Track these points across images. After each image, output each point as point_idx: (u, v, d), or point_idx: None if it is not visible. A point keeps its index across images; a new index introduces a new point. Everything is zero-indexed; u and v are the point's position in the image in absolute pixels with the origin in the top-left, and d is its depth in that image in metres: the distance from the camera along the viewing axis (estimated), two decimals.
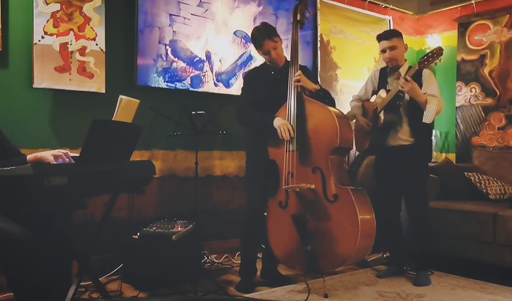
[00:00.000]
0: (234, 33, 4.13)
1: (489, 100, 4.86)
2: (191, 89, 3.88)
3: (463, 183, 4.16)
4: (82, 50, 3.32)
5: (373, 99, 3.48)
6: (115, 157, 2.23)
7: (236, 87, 4.06)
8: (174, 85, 3.79)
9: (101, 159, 2.09)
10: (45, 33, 3.18)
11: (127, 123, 2.39)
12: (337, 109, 3.08)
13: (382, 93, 3.36)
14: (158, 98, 3.69)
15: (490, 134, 4.85)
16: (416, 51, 5.47)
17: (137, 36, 3.58)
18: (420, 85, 3.20)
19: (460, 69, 5.07)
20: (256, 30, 3.13)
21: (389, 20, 5.31)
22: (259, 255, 3.41)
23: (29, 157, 2.04)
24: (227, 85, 4.09)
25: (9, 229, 1.90)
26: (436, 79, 3.30)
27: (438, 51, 3.05)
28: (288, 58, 3.17)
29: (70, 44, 3.28)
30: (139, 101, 2.51)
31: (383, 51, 3.36)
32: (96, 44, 3.38)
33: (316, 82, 3.26)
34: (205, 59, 3.96)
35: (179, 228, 3.14)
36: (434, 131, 4.98)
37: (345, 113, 3.19)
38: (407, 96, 3.23)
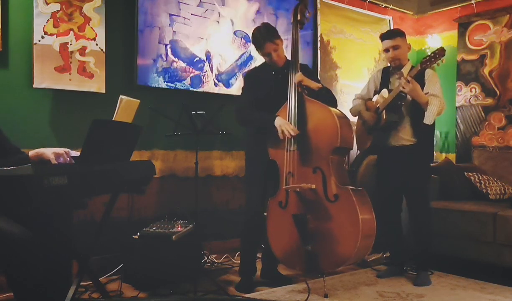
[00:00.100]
0: (234, 33, 4.13)
1: (489, 100, 4.86)
2: (191, 89, 3.88)
3: (463, 183, 4.16)
4: (82, 50, 3.32)
5: (375, 99, 3.47)
6: (115, 157, 2.23)
7: (236, 87, 4.06)
8: (174, 85, 3.79)
9: (101, 159, 2.08)
10: (45, 33, 3.18)
11: (127, 123, 2.39)
12: (337, 109, 3.08)
13: (384, 93, 3.35)
14: (158, 98, 3.69)
15: (490, 134, 4.85)
16: (416, 51, 5.47)
17: (137, 36, 3.58)
18: (423, 85, 3.20)
19: (460, 69, 5.07)
20: (257, 31, 3.12)
21: (389, 20, 5.31)
22: (259, 255, 3.41)
23: (30, 153, 2.05)
24: (227, 85, 4.09)
25: (9, 229, 1.90)
26: (438, 79, 3.29)
27: (441, 52, 3.04)
28: (289, 58, 3.17)
29: (70, 44, 3.28)
30: (139, 101, 2.50)
31: (386, 50, 3.35)
32: (96, 44, 3.38)
33: (318, 80, 3.26)
34: (205, 59, 3.96)
35: (179, 228, 3.14)
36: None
37: (345, 112, 3.19)
38: (409, 96, 3.22)
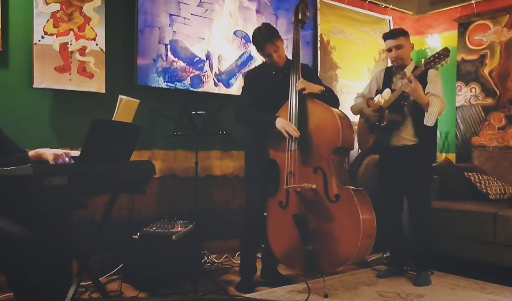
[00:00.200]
0: (234, 33, 4.13)
1: (489, 100, 4.86)
2: (191, 89, 3.88)
3: (463, 183, 4.16)
4: (82, 50, 3.32)
5: (377, 98, 3.46)
6: (115, 157, 2.23)
7: (236, 87, 4.06)
8: (174, 85, 3.79)
9: (101, 159, 2.08)
10: (45, 33, 3.18)
11: (127, 123, 2.39)
12: (339, 109, 3.08)
13: (387, 93, 3.35)
14: (158, 98, 3.69)
15: (490, 134, 4.85)
16: (416, 51, 5.46)
17: (137, 36, 3.58)
18: (425, 85, 3.19)
19: (460, 69, 5.07)
20: (257, 32, 3.11)
21: (389, 20, 5.31)
22: (259, 255, 3.41)
23: (30, 152, 2.05)
24: (227, 85, 4.09)
25: (9, 229, 1.90)
26: (441, 79, 3.27)
27: (445, 53, 3.03)
28: (289, 57, 3.17)
29: (70, 44, 3.28)
30: (139, 101, 2.50)
31: (389, 50, 3.35)
32: (96, 44, 3.38)
33: (319, 81, 3.26)
34: (205, 59, 3.96)
35: (179, 228, 3.14)
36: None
37: (345, 112, 3.18)
38: (411, 96, 3.22)
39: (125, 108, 2.38)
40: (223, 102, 3.34)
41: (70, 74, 3.28)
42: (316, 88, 3.03)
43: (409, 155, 3.29)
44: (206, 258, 3.76)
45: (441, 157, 4.99)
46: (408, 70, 3.27)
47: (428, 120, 3.12)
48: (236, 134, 3.67)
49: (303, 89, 2.98)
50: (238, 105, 3.17)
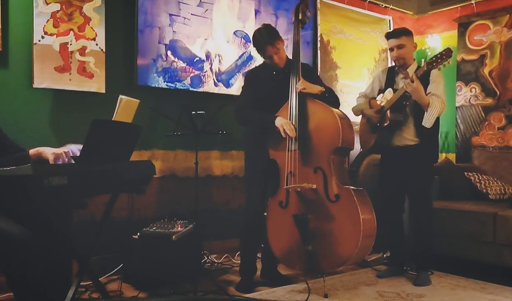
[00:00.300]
0: (234, 33, 4.13)
1: (489, 100, 4.86)
2: (191, 89, 3.88)
3: (463, 183, 4.16)
4: (82, 50, 3.32)
5: (379, 98, 3.46)
6: (115, 157, 2.23)
7: (236, 87, 4.06)
8: (174, 85, 3.79)
9: (101, 159, 2.08)
10: (45, 33, 3.18)
11: (127, 123, 2.39)
12: (339, 110, 3.08)
13: (389, 92, 3.35)
14: (158, 98, 3.69)
15: (490, 134, 4.85)
16: (416, 51, 5.46)
17: (137, 36, 3.58)
18: (428, 85, 3.19)
19: (460, 69, 5.06)
20: (257, 33, 3.10)
21: (389, 20, 5.31)
22: (259, 255, 3.41)
23: (31, 151, 2.05)
24: (227, 85, 4.09)
25: (9, 229, 1.90)
26: (443, 80, 3.27)
27: (447, 53, 3.02)
28: (290, 57, 3.16)
29: (70, 44, 3.28)
30: (139, 101, 2.50)
31: (391, 49, 3.34)
32: (96, 44, 3.38)
33: (320, 80, 3.26)
34: (205, 59, 3.96)
35: (179, 228, 3.14)
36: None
37: (345, 112, 3.18)
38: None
39: (125, 108, 2.38)
40: (223, 102, 3.34)
41: (70, 74, 3.28)
42: (316, 89, 3.03)
43: (410, 155, 3.28)
44: (206, 258, 3.76)
45: (441, 157, 4.99)
46: (411, 70, 3.26)
47: (427, 122, 3.12)
48: (236, 134, 3.67)
49: (303, 89, 2.98)
50: (238, 105, 3.17)
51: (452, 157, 4.99)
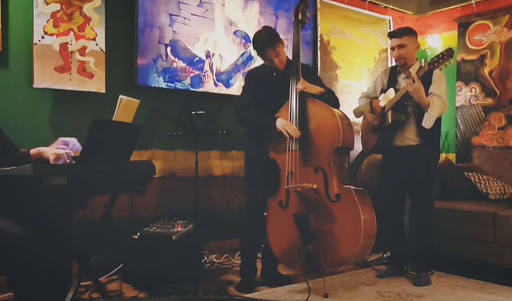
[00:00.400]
0: (234, 33, 4.13)
1: (489, 100, 4.86)
2: (191, 89, 3.88)
3: (463, 183, 4.16)
4: (82, 50, 3.32)
5: (381, 97, 3.46)
6: (115, 157, 2.22)
7: (236, 87, 4.06)
8: (174, 85, 3.79)
9: (101, 159, 2.08)
10: (45, 33, 3.18)
11: (127, 123, 2.39)
12: (339, 110, 3.08)
13: (390, 92, 3.34)
14: (158, 98, 3.69)
15: (490, 134, 4.85)
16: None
17: (137, 36, 3.58)
18: (430, 85, 3.18)
19: (460, 69, 5.07)
20: (258, 36, 3.08)
21: (389, 20, 5.31)
22: (259, 255, 3.41)
23: (32, 151, 2.05)
24: (227, 85, 4.09)
25: (9, 229, 1.90)
26: (445, 80, 3.26)
27: (449, 53, 3.02)
28: (290, 57, 3.16)
29: (70, 44, 3.28)
30: (139, 101, 2.50)
31: (392, 48, 3.34)
32: (96, 44, 3.38)
33: (320, 81, 3.25)
34: (205, 59, 3.96)
35: (179, 228, 3.14)
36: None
37: (345, 112, 3.18)
38: None
39: (125, 108, 2.38)
40: (223, 102, 3.34)
41: (70, 74, 3.28)
42: (316, 89, 3.03)
43: (412, 155, 3.28)
44: (206, 258, 3.76)
45: (441, 156, 4.98)
46: (413, 70, 3.26)
47: (426, 122, 3.12)
48: (236, 134, 3.67)
49: (304, 88, 2.98)
50: (238, 105, 3.16)
51: (452, 157, 4.99)
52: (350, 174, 4.12)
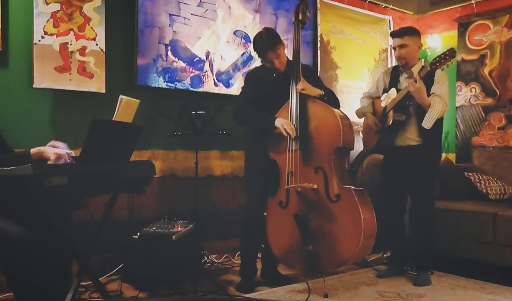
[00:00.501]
0: (234, 33, 4.13)
1: (489, 100, 4.86)
2: (191, 89, 3.88)
3: (463, 183, 4.16)
4: (82, 50, 3.32)
5: (383, 97, 3.45)
6: (115, 157, 2.23)
7: (236, 87, 4.06)
8: (174, 85, 3.79)
9: (101, 159, 2.08)
10: (45, 33, 3.18)
11: (127, 123, 2.39)
12: (339, 110, 3.08)
13: (392, 92, 3.34)
14: (158, 98, 3.69)
15: (490, 134, 4.85)
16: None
17: (137, 36, 3.58)
18: (432, 85, 3.18)
19: (460, 69, 5.07)
20: (259, 38, 3.07)
21: (389, 20, 5.31)
22: (259, 255, 3.41)
23: (32, 150, 2.05)
24: (227, 85, 4.09)
25: (9, 229, 1.89)
26: (447, 80, 3.25)
27: (450, 53, 3.01)
28: (290, 58, 3.16)
29: (70, 44, 3.28)
30: (139, 101, 2.50)
31: (394, 48, 3.34)
32: (96, 44, 3.38)
33: (320, 81, 3.25)
34: (205, 59, 3.96)
35: (179, 228, 3.14)
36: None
37: (345, 112, 3.18)
38: None
39: (125, 108, 2.38)
40: (223, 102, 3.34)
41: (70, 74, 3.28)
42: (315, 91, 3.02)
43: (413, 155, 3.28)
44: (206, 258, 3.75)
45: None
46: (415, 70, 3.26)
47: (426, 123, 3.12)
48: (236, 134, 3.67)
49: (303, 89, 2.98)
50: (237, 104, 3.16)
51: (452, 157, 4.99)
52: (350, 174, 4.12)
